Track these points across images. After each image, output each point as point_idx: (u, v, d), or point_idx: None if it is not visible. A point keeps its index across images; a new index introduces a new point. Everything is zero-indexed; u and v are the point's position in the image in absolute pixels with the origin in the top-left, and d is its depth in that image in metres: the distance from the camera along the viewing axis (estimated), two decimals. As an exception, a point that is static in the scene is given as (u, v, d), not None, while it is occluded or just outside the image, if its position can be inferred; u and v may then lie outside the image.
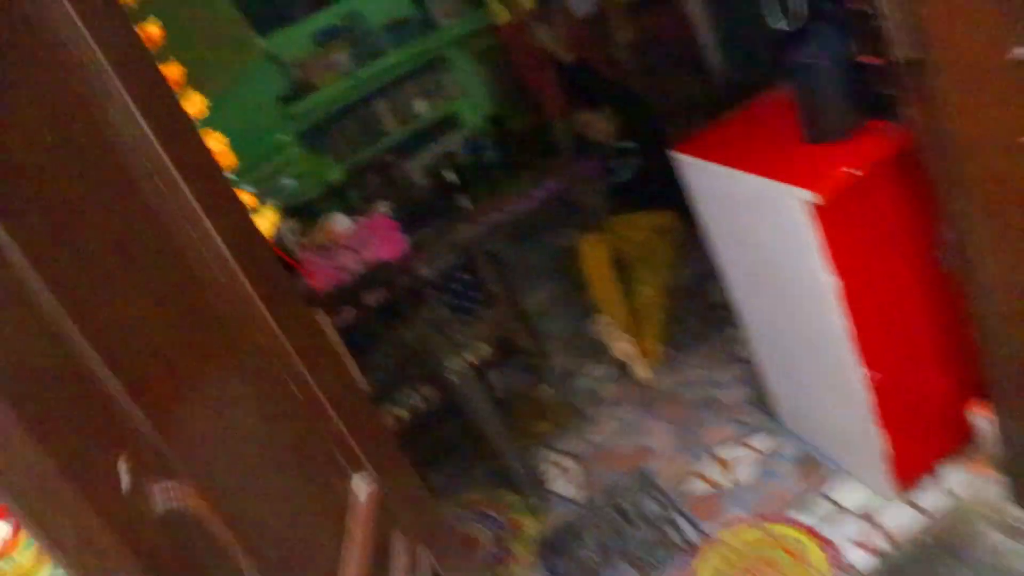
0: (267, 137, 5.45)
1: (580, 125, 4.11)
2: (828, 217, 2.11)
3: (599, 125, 4.05)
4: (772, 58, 4.61)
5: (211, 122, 5.84)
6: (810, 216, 2.10)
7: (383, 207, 3.65)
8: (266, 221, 3.69)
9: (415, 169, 6.01)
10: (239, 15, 5.59)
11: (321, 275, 3.34)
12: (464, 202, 5.72)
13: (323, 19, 6.06)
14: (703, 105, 5.19)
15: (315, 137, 5.96)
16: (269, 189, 4.90)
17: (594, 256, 3.79)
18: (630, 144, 4.03)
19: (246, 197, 3.68)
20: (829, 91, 2.11)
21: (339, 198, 4.84)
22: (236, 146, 5.85)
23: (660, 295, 3.72)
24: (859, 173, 2.10)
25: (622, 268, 3.72)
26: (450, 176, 5.80)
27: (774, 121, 2.52)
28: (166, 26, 5.50)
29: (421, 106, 6.04)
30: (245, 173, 5.08)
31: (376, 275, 3.18)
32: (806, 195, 2.08)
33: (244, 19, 5.65)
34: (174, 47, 5.54)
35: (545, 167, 5.15)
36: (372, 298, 3.24)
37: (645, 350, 3.50)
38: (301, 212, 4.82)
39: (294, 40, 6.06)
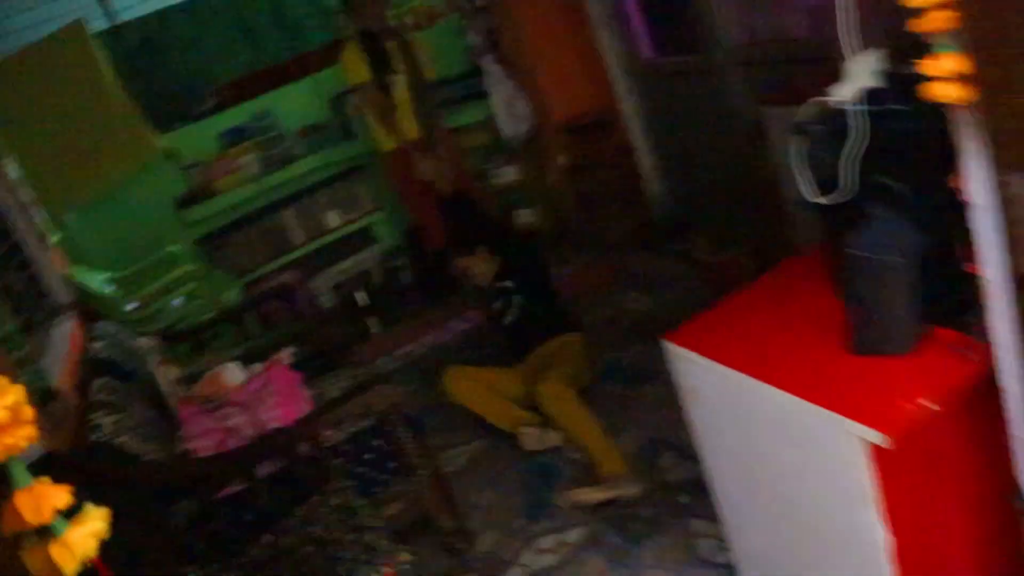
0: (157, 246, 4.84)
1: (459, 269, 3.92)
2: (889, 460, 1.57)
3: (478, 268, 3.83)
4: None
5: (94, 220, 5.28)
6: (866, 457, 1.56)
7: (284, 353, 3.08)
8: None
9: (322, 289, 5.45)
10: (135, 106, 5.03)
11: (204, 436, 2.74)
12: (375, 326, 5.20)
13: (231, 118, 5.53)
14: (639, 237, 4.87)
15: (213, 248, 5.36)
16: (152, 313, 4.26)
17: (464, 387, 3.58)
18: (508, 284, 3.79)
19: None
20: (894, 296, 1.63)
21: (234, 323, 4.22)
22: (121, 252, 5.27)
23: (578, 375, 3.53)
24: (936, 407, 1.57)
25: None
26: (361, 298, 5.28)
27: (803, 310, 1.96)
28: (54, 109, 5.00)
29: (333, 218, 5.51)
30: (129, 285, 4.46)
31: (270, 442, 2.60)
32: (865, 432, 1.55)
33: (141, 111, 5.09)
34: (59, 133, 5.00)
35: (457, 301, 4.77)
36: (264, 470, 2.65)
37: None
38: (187, 338, 4.19)
39: (197, 138, 5.51)
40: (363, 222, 5.58)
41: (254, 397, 2.82)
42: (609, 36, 4.70)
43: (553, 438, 3.39)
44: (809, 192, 1.76)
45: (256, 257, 5.44)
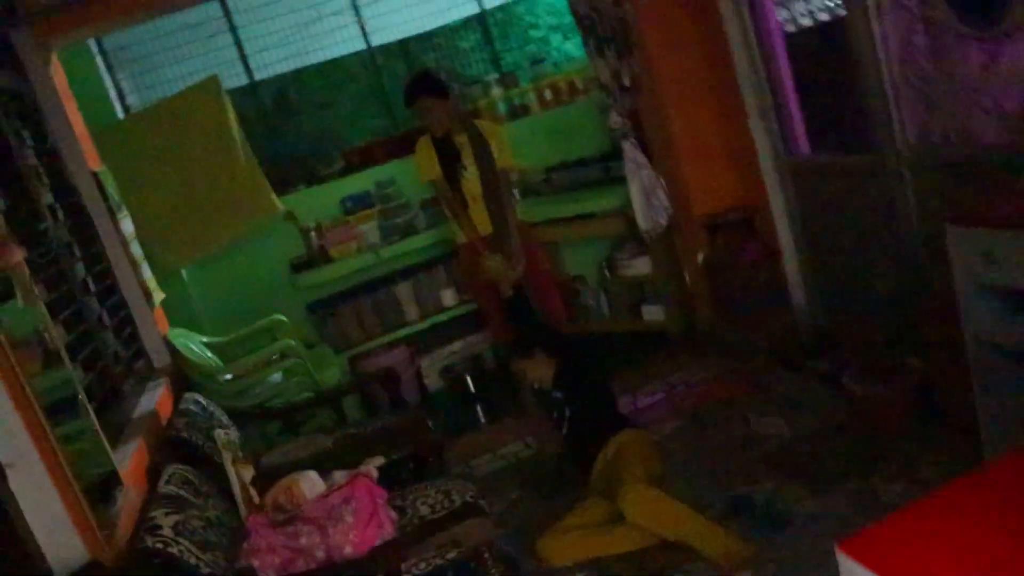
0: (265, 311, 4.65)
1: (515, 372, 3.79)
2: None
3: (534, 372, 3.64)
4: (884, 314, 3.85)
5: (204, 280, 5.17)
6: None
7: (371, 465, 2.74)
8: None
9: (429, 371, 5.15)
10: (258, 166, 4.92)
11: (269, 552, 2.42)
12: (480, 415, 4.87)
13: (356, 183, 5.38)
14: (779, 351, 4.36)
15: (322, 316, 5.16)
16: (247, 386, 4.03)
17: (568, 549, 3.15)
18: (558, 395, 3.59)
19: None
20: None
21: (332, 406, 3.94)
22: (227, 316, 5.13)
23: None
24: None
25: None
26: (468, 384, 4.96)
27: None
28: (178, 164, 4.95)
29: (448, 297, 5.23)
30: (228, 352, 4.26)
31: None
32: None
33: (266, 170, 4.98)
34: (180, 189, 4.93)
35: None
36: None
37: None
38: (281, 417, 3.94)
39: (319, 201, 5.37)
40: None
41: (330, 515, 2.47)
42: (763, 127, 4.28)
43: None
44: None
45: (366, 330, 5.21)
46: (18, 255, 2.37)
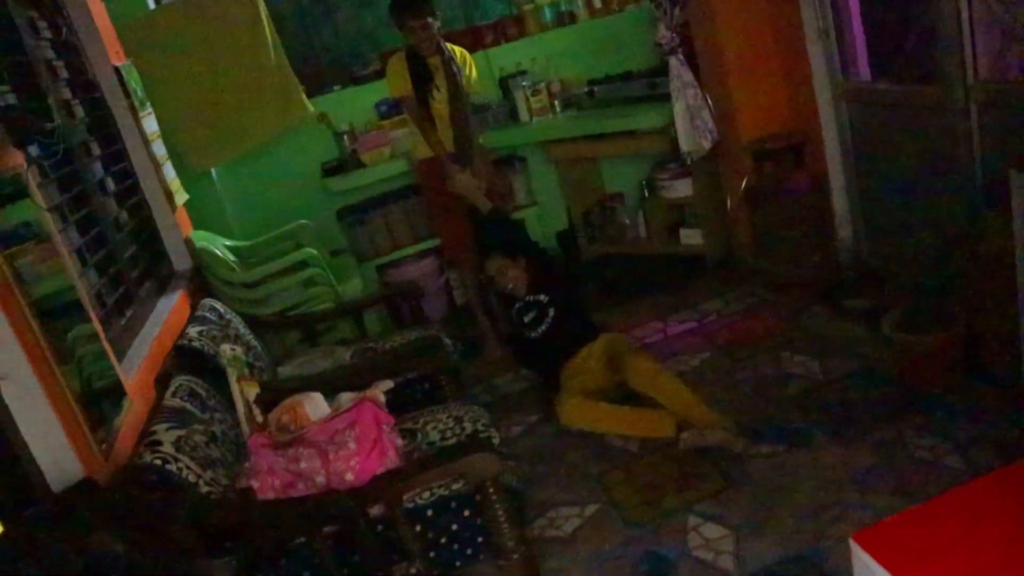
0: (293, 216, 4.55)
1: (495, 270, 3.95)
2: None
3: (514, 272, 3.92)
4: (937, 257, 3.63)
5: (231, 183, 5.06)
6: None
7: (379, 389, 2.65)
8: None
9: (458, 283, 5.04)
10: (289, 66, 4.75)
11: (270, 474, 2.36)
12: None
13: (390, 87, 5.18)
14: (819, 286, 4.18)
15: (352, 223, 5.05)
16: (267, 294, 3.96)
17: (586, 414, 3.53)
18: (543, 297, 3.89)
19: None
20: None
21: (354, 317, 3.87)
22: (253, 220, 5.04)
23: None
24: None
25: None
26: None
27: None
28: (206, 62, 4.79)
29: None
30: (251, 257, 4.19)
31: (337, 504, 2.18)
32: None
33: (298, 71, 4.82)
34: (208, 87, 4.79)
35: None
36: (330, 528, 2.25)
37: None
38: (300, 326, 3.87)
39: (353, 105, 5.20)
40: (515, 214, 5.10)
41: (333, 439, 2.40)
42: (821, 49, 3.99)
43: (717, 435, 3.16)
44: None
45: (395, 239, 5.11)
46: (17, 158, 2.27)
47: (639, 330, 4.37)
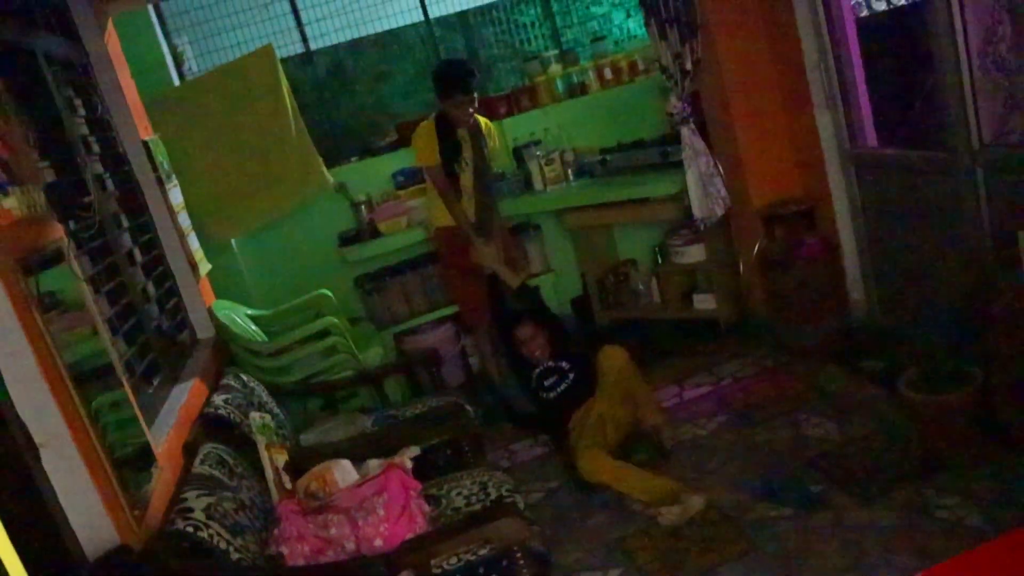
0: (311, 285, 4.62)
1: (527, 335, 4.07)
2: None
3: (540, 341, 4.07)
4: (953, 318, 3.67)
5: (251, 252, 5.16)
6: None
7: (406, 456, 2.68)
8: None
9: (474, 350, 5.09)
10: (309, 138, 4.89)
11: (299, 540, 2.39)
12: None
13: (407, 158, 5.29)
14: (833, 348, 4.21)
15: (369, 291, 5.12)
16: (289, 362, 4.01)
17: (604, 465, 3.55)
18: (564, 364, 4.06)
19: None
20: None
21: (374, 384, 3.91)
22: (273, 289, 5.12)
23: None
24: None
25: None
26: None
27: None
28: (230, 134, 4.93)
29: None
30: (272, 326, 4.25)
31: (368, 570, 2.20)
32: None
33: (317, 142, 4.96)
34: (231, 159, 4.92)
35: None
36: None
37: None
38: (321, 393, 3.91)
39: (370, 175, 5.33)
40: (531, 282, 5.16)
41: (362, 506, 2.43)
42: (828, 117, 4.11)
43: (696, 504, 3.25)
44: None
45: (412, 306, 5.17)
46: (58, 231, 2.35)
47: (656, 395, 4.39)
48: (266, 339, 4.10)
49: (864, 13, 3.96)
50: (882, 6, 3.89)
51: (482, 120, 4.51)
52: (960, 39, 3.17)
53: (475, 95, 4.27)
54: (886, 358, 3.94)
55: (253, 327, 4.17)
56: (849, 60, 3.96)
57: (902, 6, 3.80)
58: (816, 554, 2.87)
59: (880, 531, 2.89)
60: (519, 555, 2.39)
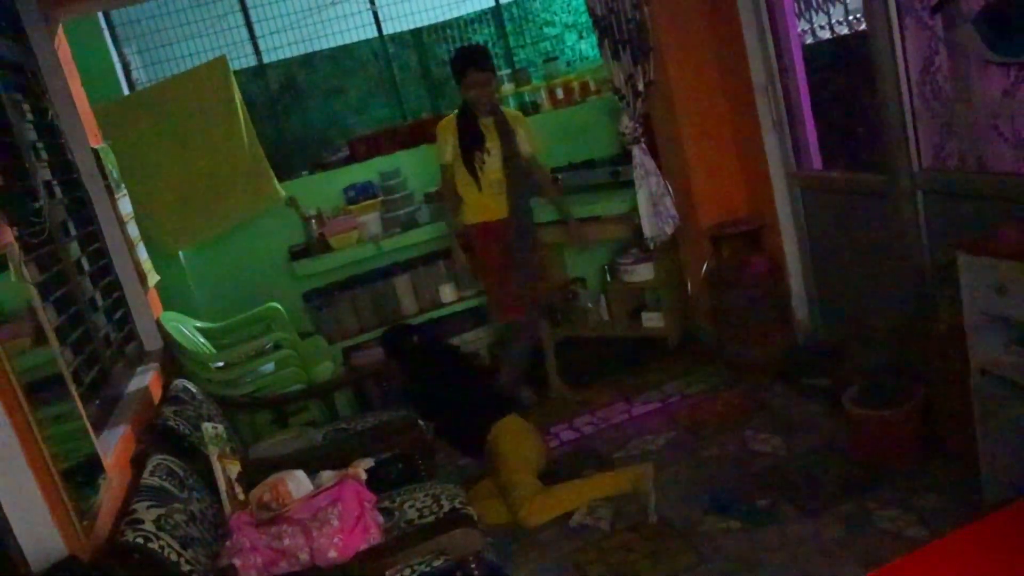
0: (261, 298, 4.58)
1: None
2: None
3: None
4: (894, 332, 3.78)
5: (201, 264, 5.09)
6: None
7: (360, 467, 2.67)
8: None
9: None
10: (261, 151, 4.86)
11: (252, 552, 2.36)
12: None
13: (360, 172, 5.30)
14: (778, 366, 4.30)
15: (319, 305, 5.08)
16: (238, 376, 3.96)
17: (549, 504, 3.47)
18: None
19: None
20: None
21: (324, 399, 3.89)
22: (222, 301, 5.06)
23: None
24: None
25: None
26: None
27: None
28: (181, 145, 4.87)
29: (447, 293, 5.16)
30: (221, 339, 4.20)
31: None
32: None
33: (269, 155, 4.93)
34: (182, 170, 4.86)
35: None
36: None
37: None
38: (271, 407, 3.87)
39: (322, 189, 5.30)
40: (478, 301, 5.18)
41: (316, 516, 2.42)
42: (775, 140, 4.22)
43: (648, 470, 3.40)
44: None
45: (362, 321, 5.14)
46: (8, 236, 2.31)
47: (604, 411, 4.44)
48: (215, 352, 4.05)
49: (810, 40, 4.07)
50: (827, 34, 4.01)
51: (509, 112, 4.45)
52: (901, 68, 3.29)
53: (493, 75, 4.19)
54: (831, 375, 4.04)
55: (202, 340, 4.11)
56: (796, 85, 4.08)
57: (846, 35, 3.92)
58: (764, 566, 2.93)
59: (825, 542, 2.97)
60: (474, 566, 2.40)
